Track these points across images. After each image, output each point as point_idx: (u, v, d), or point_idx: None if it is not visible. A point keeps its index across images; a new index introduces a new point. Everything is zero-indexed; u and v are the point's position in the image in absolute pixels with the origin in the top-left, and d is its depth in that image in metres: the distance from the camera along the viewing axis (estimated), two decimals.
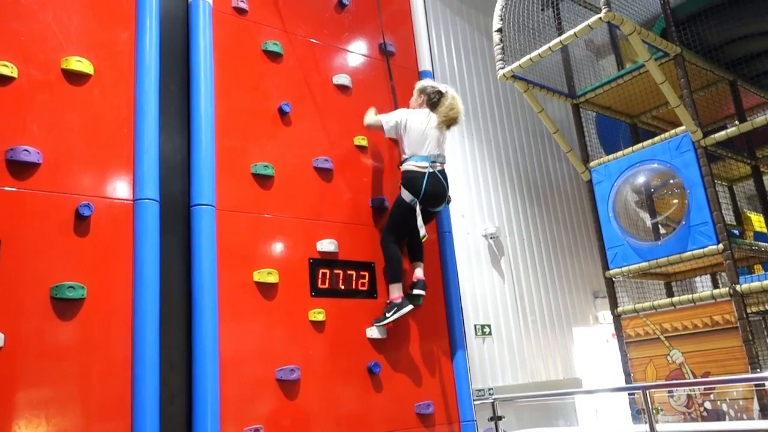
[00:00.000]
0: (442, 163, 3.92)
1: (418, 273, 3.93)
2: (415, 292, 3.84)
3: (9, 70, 2.88)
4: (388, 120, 3.98)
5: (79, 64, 3.09)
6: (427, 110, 3.97)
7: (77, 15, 3.20)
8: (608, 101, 6.44)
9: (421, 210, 3.77)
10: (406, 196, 3.81)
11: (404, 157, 3.91)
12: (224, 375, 3.08)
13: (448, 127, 3.97)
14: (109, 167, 3.07)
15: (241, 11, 3.82)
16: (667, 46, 5.39)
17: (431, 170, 3.80)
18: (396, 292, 3.79)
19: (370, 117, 4.08)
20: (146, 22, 3.34)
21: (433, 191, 3.80)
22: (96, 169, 3.04)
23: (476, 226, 7.66)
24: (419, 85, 4.12)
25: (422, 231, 3.72)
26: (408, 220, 3.83)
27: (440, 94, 3.98)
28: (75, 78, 3.09)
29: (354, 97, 4.18)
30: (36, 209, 2.81)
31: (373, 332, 3.71)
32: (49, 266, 2.77)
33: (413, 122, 3.91)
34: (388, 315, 3.74)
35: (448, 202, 4.01)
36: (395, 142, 4.19)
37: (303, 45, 4.08)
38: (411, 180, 3.80)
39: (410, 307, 3.75)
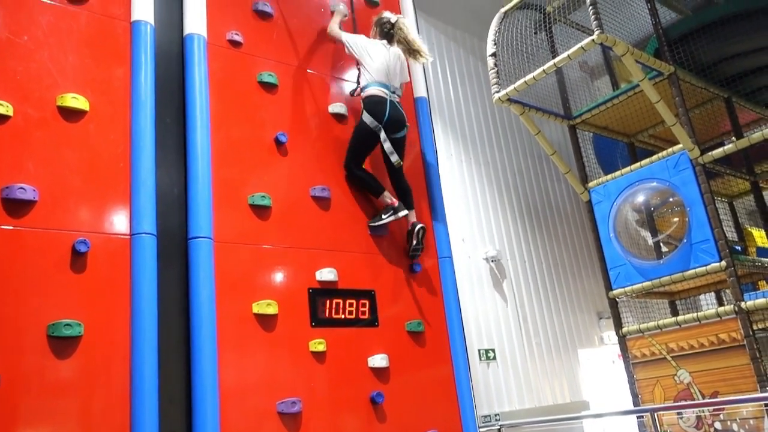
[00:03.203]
0: (399, 96, 4.14)
1: (412, 218, 4.08)
2: (417, 228, 3.99)
3: (4, 108, 2.89)
4: (348, 40, 4.15)
5: (75, 100, 3.11)
6: (384, 41, 4.20)
7: (73, 53, 3.23)
8: (604, 121, 6.46)
9: (387, 137, 3.94)
10: (369, 120, 3.95)
11: (365, 83, 4.07)
12: (224, 409, 3.03)
13: (413, 56, 4.20)
14: (105, 202, 3.07)
15: (235, 44, 3.85)
16: (661, 65, 5.42)
17: (392, 99, 4.00)
18: (389, 199, 3.96)
19: (335, 28, 4.23)
20: (141, 57, 3.37)
21: (394, 118, 3.98)
22: (92, 204, 3.03)
23: (477, 249, 7.63)
24: (375, 18, 4.33)
25: (394, 157, 3.91)
26: (369, 144, 4.00)
27: (391, 24, 4.20)
28: (71, 114, 3.10)
29: (350, 125, 4.19)
30: (32, 247, 2.80)
31: (375, 361, 3.67)
32: (45, 304, 2.75)
33: (375, 52, 4.10)
34: (384, 216, 3.93)
35: (407, 127, 4.14)
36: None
37: (298, 75, 4.11)
38: (375, 104, 3.96)
39: (406, 211, 3.94)
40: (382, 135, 3.94)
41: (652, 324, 5.61)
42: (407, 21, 4.29)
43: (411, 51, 4.19)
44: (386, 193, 3.99)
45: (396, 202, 3.96)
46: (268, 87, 3.89)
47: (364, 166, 4.07)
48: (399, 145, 4.09)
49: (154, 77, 3.38)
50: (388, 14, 4.28)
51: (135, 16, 3.44)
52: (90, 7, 3.35)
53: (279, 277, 3.52)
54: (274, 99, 3.90)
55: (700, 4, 6.52)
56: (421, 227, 4.02)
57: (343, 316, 3.67)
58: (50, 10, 3.22)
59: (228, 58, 3.79)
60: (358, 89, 4.17)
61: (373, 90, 4.01)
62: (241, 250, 3.42)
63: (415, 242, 4.00)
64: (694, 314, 5.39)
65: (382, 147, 3.97)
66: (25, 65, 3.05)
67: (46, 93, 3.06)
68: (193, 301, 3.13)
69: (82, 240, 2.89)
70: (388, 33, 4.21)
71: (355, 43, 4.14)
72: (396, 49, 4.22)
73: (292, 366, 3.37)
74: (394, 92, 4.07)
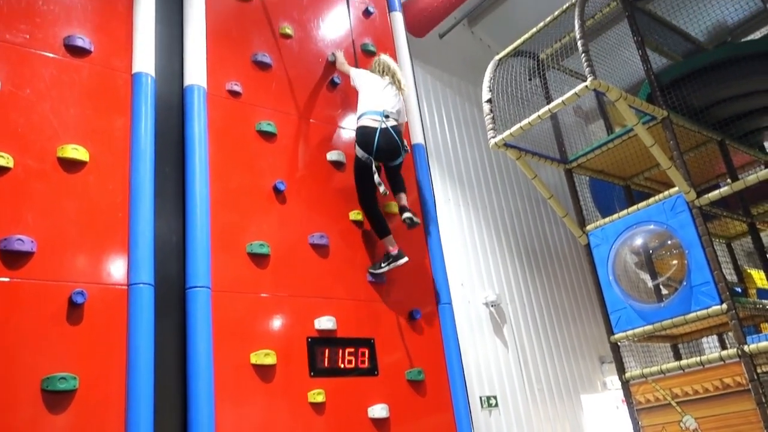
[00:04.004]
0: (396, 120, 4.19)
1: (402, 200, 4.17)
2: (405, 215, 4.02)
3: (5, 160, 2.91)
4: (352, 72, 4.40)
5: (75, 151, 3.13)
6: (378, 75, 4.36)
7: (74, 105, 3.27)
8: (600, 165, 6.51)
9: (381, 166, 4.10)
10: (360, 153, 4.06)
11: (359, 113, 4.18)
12: None
13: (397, 83, 4.33)
14: (103, 252, 3.06)
15: (235, 94, 3.91)
16: (654, 110, 5.49)
17: (384, 126, 4.03)
18: (390, 245, 4.02)
19: (343, 64, 4.48)
20: (142, 108, 3.41)
21: (385, 146, 4.02)
22: (90, 254, 3.03)
23: (476, 294, 7.58)
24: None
25: (381, 188, 3.93)
26: (367, 177, 4.06)
27: (378, 62, 4.43)
28: (71, 165, 3.12)
29: (348, 172, 4.22)
30: (29, 299, 2.78)
31: (375, 411, 3.60)
32: (40, 357, 2.72)
33: (372, 82, 4.28)
34: (383, 264, 3.99)
35: (406, 151, 4.24)
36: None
37: (296, 124, 4.16)
38: (363, 136, 4.05)
39: (405, 259, 3.98)
40: (373, 167, 4.01)
41: (655, 368, 5.53)
42: (387, 56, 4.49)
43: (394, 81, 4.35)
44: (389, 238, 4.03)
45: (395, 250, 3.99)
46: (267, 136, 3.93)
47: (377, 199, 4.16)
48: (395, 172, 4.24)
49: (154, 127, 3.42)
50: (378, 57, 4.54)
51: (136, 67, 3.50)
52: (92, 60, 3.42)
53: (277, 326, 3.48)
54: (272, 147, 3.94)
55: (691, 50, 6.65)
56: (411, 217, 4.02)
57: (342, 366, 3.62)
58: (53, 64, 3.28)
59: (227, 108, 3.84)
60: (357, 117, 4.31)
61: (364, 120, 4.11)
62: (239, 299, 3.39)
63: (409, 223, 4.05)
64: (697, 358, 5.32)
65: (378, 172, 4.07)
66: (26, 117, 3.08)
67: (46, 144, 3.09)
68: (190, 352, 3.09)
69: (79, 291, 2.87)
70: (382, 71, 4.41)
71: (358, 74, 4.38)
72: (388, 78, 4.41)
73: (290, 418, 3.30)
74: (388, 117, 4.11)
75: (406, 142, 4.24)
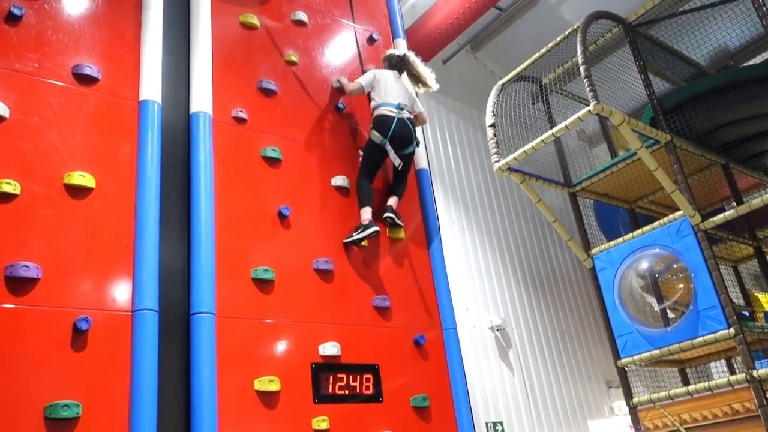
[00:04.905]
0: (410, 112, 4.48)
1: (390, 201, 4.33)
2: (385, 215, 4.23)
3: (12, 187, 2.94)
4: (363, 80, 4.49)
5: (82, 178, 3.16)
6: (393, 71, 4.61)
7: (81, 132, 3.31)
8: (604, 188, 6.51)
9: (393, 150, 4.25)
10: (376, 137, 4.27)
11: (374, 105, 4.40)
12: None
13: (421, 85, 4.73)
14: (108, 279, 3.07)
15: (240, 120, 3.94)
16: (657, 134, 5.51)
17: (400, 116, 4.30)
18: (365, 215, 4.14)
19: (351, 86, 4.52)
20: (148, 134, 3.44)
21: (401, 133, 4.29)
22: (95, 281, 3.03)
23: (481, 318, 7.54)
24: (383, 56, 4.78)
25: (396, 161, 4.24)
26: (377, 159, 4.34)
27: (398, 58, 4.68)
28: (77, 192, 3.14)
29: (352, 198, 4.23)
30: (33, 325, 2.78)
31: None
32: (44, 384, 2.71)
33: (384, 78, 4.49)
34: (354, 234, 4.07)
35: (417, 144, 4.52)
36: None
37: (301, 149, 4.18)
38: (381, 123, 4.29)
39: (375, 229, 4.06)
40: (388, 146, 4.23)
41: (663, 394, 5.46)
42: (412, 55, 4.75)
43: (420, 82, 4.73)
44: (367, 209, 4.18)
45: (368, 220, 4.10)
46: (272, 161, 3.96)
47: (373, 181, 4.38)
48: (406, 161, 4.42)
49: (161, 153, 3.45)
50: (394, 50, 4.80)
51: (143, 95, 3.54)
52: (100, 88, 3.46)
53: (281, 352, 3.47)
54: (277, 173, 3.96)
55: (693, 75, 6.68)
56: (389, 216, 4.21)
57: (346, 392, 3.59)
58: (61, 92, 3.32)
59: (233, 134, 3.87)
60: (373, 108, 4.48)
61: (381, 110, 4.35)
62: (243, 325, 3.39)
63: (390, 222, 4.26)
64: (706, 383, 5.26)
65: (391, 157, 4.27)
66: (34, 144, 3.12)
67: (53, 171, 3.12)
68: (194, 379, 3.08)
69: (83, 317, 2.87)
70: (396, 65, 4.67)
71: (369, 81, 4.49)
72: (404, 77, 4.68)
73: None
74: (402, 109, 4.37)
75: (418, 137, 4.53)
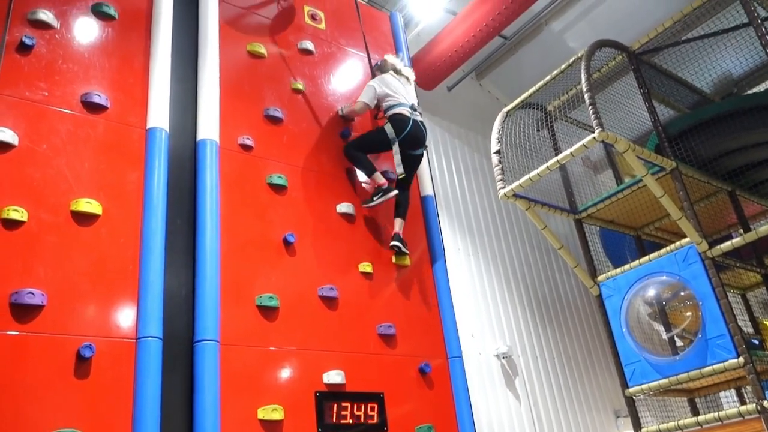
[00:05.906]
0: (420, 113, 4.57)
1: (396, 227, 4.34)
2: (392, 243, 4.24)
3: (19, 214, 2.95)
4: (366, 97, 4.50)
5: (88, 205, 3.18)
6: (388, 73, 4.68)
7: (89, 159, 3.33)
8: (610, 215, 6.49)
9: (401, 152, 4.31)
10: (389, 130, 4.34)
11: (388, 105, 4.44)
12: None
13: (404, 79, 4.75)
14: (112, 306, 3.07)
15: (247, 147, 3.97)
16: (662, 161, 5.50)
17: (414, 117, 4.41)
18: (380, 180, 4.24)
19: (356, 107, 4.55)
20: (155, 162, 3.47)
21: (415, 135, 4.39)
22: (100, 308, 3.03)
23: (487, 345, 7.48)
24: (373, 67, 4.89)
25: (399, 168, 4.27)
26: (377, 146, 4.44)
27: (384, 60, 4.81)
28: (83, 219, 3.16)
29: (357, 224, 4.24)
30: (37, 352, 2.78)
31: None
32: (46, 412, 2.69)
33: (389, 83, 4.55)
34: (375, 198, 4.20)
35: (425, 147, 4.61)
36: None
37: (307, 176, 4.20)
38: (399, 121, 4.36)
39: (395, 192, 4.21)
40: (395, 147, 4.30)
41: (672, 424, 5.37)
42: (392, 56, 4.89)
43: (403, 77, 4.77)
44: (378, 174, 4.28)
45: (386, 183, 4.22)
46: (278, 188, 3.97)
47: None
48: (414, 162, 4.52)
49: (167, 180, 3.47)
50: (376, 60, 4.92)
51: (151, 123, 3.57)
52: (108, 116, 3.50)
53: (285, 380, 3.44)
54: (283, 200, 3.97)
55: (697, 102, 6.70)
56: (396, 245, 4.22)
57: (351, 421, 3.55)
58: (70, 120, 3.36)
59: (239, 162, 3.89)
60: (381, 113, 4.58)
61: (398, 110, 4.43)
62: (248, 353, 3.37)
63: (396, 251, 4.27)
64: (715, 414, 5.18)
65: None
66: (42, 172, 3.14)
67: (60, 198, 3.14)
68: (197, 407, 3.05)
69: (87, 345, 2.86)
70: (386, 67, 4.77)
71: (371, 96, 4.50)
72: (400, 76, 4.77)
73: None
74: (415, 110, 4.49)
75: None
